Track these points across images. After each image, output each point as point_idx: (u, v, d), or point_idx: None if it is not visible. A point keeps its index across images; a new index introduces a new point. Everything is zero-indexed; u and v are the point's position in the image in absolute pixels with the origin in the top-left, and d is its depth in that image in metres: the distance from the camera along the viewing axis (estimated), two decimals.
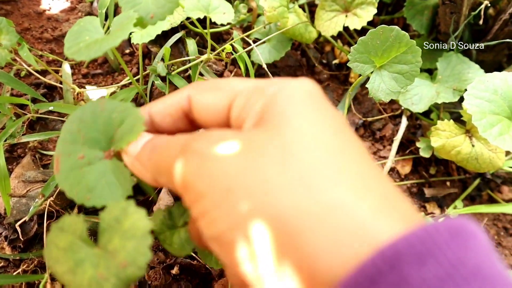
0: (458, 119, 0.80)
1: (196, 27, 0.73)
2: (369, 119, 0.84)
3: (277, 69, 0.86)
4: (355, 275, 0.22)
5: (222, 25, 0.82)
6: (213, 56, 0.67)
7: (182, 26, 0.79)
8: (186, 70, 0.74)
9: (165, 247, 0.54)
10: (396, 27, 0.64)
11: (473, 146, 0.72)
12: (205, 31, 0.62)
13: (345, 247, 0.23)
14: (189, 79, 0.73)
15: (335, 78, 0.89)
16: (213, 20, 0.62)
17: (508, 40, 0.76)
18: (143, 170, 0.36)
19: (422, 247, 0.22)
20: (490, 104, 0.63)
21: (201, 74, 0.76)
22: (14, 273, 0.61)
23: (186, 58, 0.69)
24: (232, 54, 0.68)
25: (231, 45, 0.74)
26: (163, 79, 0.73)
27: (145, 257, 0.34)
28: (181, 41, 0.81)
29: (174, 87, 0.75)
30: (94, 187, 0.40)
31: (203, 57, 0.66)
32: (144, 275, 0.34)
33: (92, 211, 0.68)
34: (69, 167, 0.40)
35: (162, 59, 0.70)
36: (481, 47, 0.81)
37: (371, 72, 0.68)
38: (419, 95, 0.77)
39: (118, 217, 0.37)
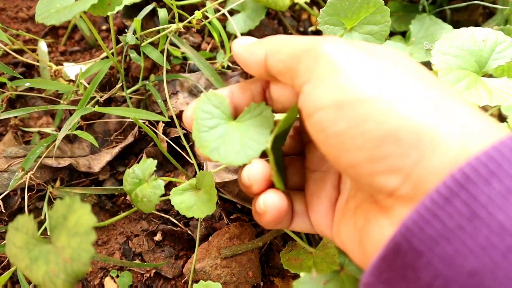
0: None
1: None
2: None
3: None
4: (431, 195, 0.27)
5: None
6: (183, 24, 0.68)
7: (156, 0, 0.79)
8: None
9: (136, 206, 0.56)
10: None
11: None
12: (171, 1, 0.63)
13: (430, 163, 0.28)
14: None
15: None
16: None
17: (476, 2, 0.76)
18: (255, 52, 0.40)
19: (488, 167, 0.26)
20: (457, 59, 0.64)
21: (177, 46, 0.77)
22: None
23: (157, 27, 0.70)
24: (202, 21, 0.69)
25: (206, 17, 0.75)
26: (138, 52, 0.74)
27: (88, 254, 0.36)
28: (156, 14, 0.82)
29: (148, 59, 0.76)
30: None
31: (172, 27, 0.67)
32: (88, 270, 0.36)
33: (74, 183, 0.70)
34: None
35: (135, 31, 0.71)
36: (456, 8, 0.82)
37: (342, 34, 0.68)
38: None
39: (65, 214, 0.38)
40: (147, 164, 0.59)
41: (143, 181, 0.59)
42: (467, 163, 0.27)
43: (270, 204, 0.38)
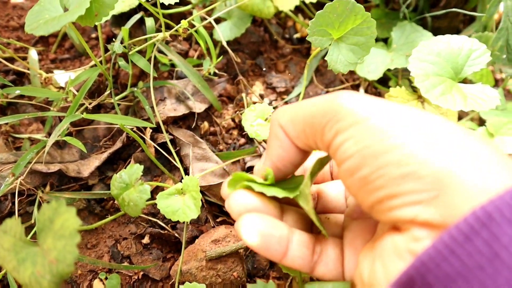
0: None
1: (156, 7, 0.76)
2: (331, 89, 0.87)
3: (241, 45, 0.89)
4: (450, 231, 0.27)
5: (186, 4, 0.85)
6: (170, 33, 0.70)
7: (144, 9, 0.81)
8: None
9: (123, 210, 0.58)
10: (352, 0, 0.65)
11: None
12: (157, 10, 0.65)
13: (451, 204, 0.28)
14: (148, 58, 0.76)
15: (298, 52, 0.92)
16: (160, 1, 0.64)
17: (454, 9, 0.79)
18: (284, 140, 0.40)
19: (511, 206, 0.26)
20: (433, 66, 0.66)
21: (165, 53, 0.79)
22: None
23: (145, 36, 0.72)
24: (188, 30, 0.71)
25: (193, 24, 0.77)
26: (127, 59, 0.76)
27: (72, 255, 0.37)
28: (144, 23, 0.84)
29: (137, 66, 0.77)
30: None
31: (159, 36, 0.69)
32: (73, 271, 0.37)
33: (64, 188, 0.72)
34: None
35: (123, 40, 0.73)
36: (437, 15, 0.84)
37: (329, 45, 0.70)
38: (375, 64, 0.80)
39: (51, 217, 0.40)
40: (134, 169, 0.61)
41: (130, 185, 0.61)
42: (490, 202, 0.26)
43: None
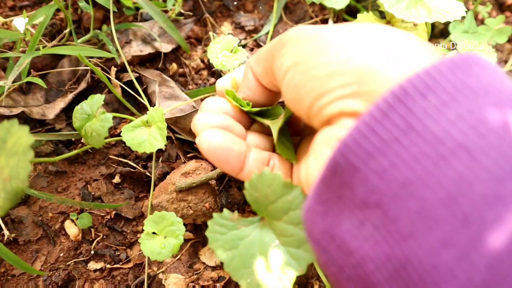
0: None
1: None
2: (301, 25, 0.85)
3: None
4: (370, 111, 0.28)
5: None
6: None
7: None
8: None
9: (87, 142, 0.57)
10: None
11: None
12: None
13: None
14: None
15: None
16: None
17: None
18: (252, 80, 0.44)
19: (425, 82, 0.27)
20: None
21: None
22: None
23: None
24: None
25: None
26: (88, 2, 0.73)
27: (25, 170, 0.37)
28: None
29: (100, 10, 0.75)
30: None
31: None
32: (27, 186, 0.37)
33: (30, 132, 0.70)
34: None
35: None
36: None
37: None
38: None
39: (3, 138, 0.39)
40: (95, 100, 0.60)
41: (92, 116, 0.59)
42: (406, 80, 0.28)
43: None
